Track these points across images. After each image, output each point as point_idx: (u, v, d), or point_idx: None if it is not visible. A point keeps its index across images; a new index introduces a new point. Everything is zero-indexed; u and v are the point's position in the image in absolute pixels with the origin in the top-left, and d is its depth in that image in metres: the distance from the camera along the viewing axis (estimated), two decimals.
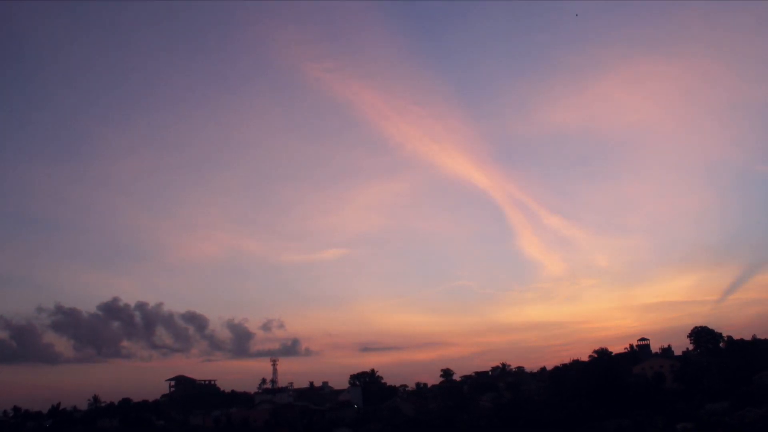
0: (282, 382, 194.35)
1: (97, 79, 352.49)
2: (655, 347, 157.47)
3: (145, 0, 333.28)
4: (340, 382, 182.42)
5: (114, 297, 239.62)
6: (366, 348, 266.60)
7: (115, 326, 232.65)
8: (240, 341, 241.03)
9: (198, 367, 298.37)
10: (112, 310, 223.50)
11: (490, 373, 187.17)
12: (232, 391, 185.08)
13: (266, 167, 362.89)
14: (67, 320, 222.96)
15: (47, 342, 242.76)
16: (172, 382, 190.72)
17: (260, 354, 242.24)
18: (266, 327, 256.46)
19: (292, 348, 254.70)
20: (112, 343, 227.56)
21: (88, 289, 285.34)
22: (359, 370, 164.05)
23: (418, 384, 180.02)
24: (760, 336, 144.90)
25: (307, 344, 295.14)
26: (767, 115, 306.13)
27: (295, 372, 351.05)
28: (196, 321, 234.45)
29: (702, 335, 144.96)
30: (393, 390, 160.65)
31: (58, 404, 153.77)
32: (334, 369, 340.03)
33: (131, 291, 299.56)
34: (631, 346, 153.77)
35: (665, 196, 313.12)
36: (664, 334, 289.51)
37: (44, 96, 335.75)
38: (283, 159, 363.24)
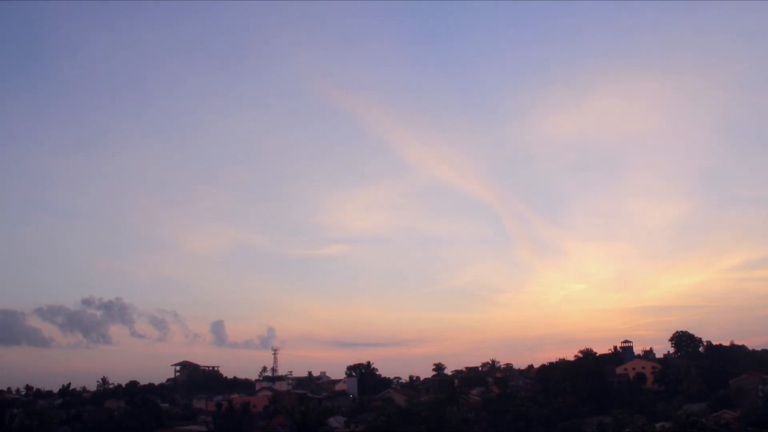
0: (282, 371, 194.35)
1: (114, 76, 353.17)
2: (637, 350, 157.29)
3: (164, 1, 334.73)
4: (338, 373, 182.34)
5: (117, 296, 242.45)
6: (362, 343, 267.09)
7: (116, 319, 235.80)
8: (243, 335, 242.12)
9: (202, 353, 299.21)
10: (114, 306, 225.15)
11: (480, 368, 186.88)
12: (234, 378, 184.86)
13: (273, 166, 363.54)
14: (74, 312, 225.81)
15: (56, 327, 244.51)
16: (178, 367, 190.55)
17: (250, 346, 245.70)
18: (266, 321, 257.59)
19: (290, 342, 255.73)
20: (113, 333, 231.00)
21: (93, 280, 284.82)
22: (356, 362, 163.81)
23: (411, 377, 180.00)
24: (738, 342, 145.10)
25: (304, 338, 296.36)
26: (753, 127, 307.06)
27: (295, 363, 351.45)
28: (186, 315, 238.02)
29: (683, 339, 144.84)
30: (387, 382, 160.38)
31: (68, 384, 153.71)
32: (333, 360, 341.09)
33: (134, 284, 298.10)
34: (615, 347, 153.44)
35: (654, 205, 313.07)
36: (648, 338, 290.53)
37: (63, 91, 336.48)
38: (289, 158, 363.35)
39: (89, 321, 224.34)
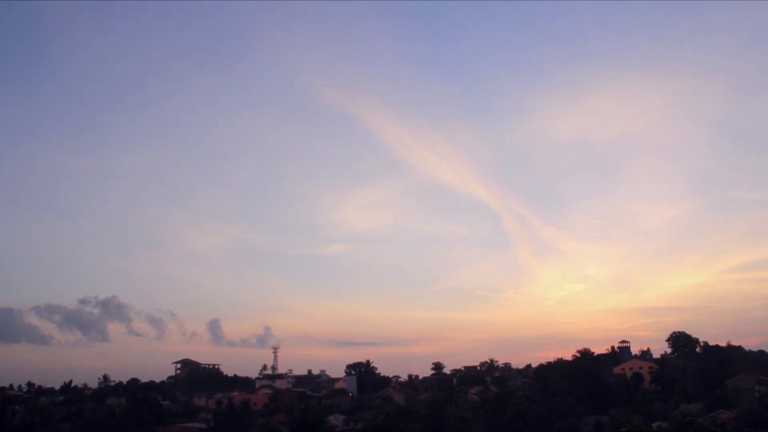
0: (282, 369, 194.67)
1: (119, 77, 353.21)
2: (635, 350, 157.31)
3: (168, 1, 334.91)
4: (338, 371, 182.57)
5: (116, 295, 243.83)
6: (362, 342, 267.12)
7: (114, 318, 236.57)
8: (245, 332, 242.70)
9: (200, 351, 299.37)
10: (112, 304, 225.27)
11: (478, 367, 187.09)
12: (235, 376, 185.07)
13: (274, 165, 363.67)
14: (72, 310, 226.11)
15: (54, 326, 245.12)
16: (178, 365, 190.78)
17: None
18: (264, 320, 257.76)
19: (288, 340, 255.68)
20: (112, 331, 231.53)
21: (92, 278, 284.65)
22: (356, 361, 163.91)
23: (410, 376, 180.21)
24: (735, 342, 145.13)
25: (303, 336, 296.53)
26: (752, 129, 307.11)
27: (295, 361, 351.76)
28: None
29: (680, 340, 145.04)
30: (386, 380, 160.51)
31: (70, 382, 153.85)
32: (333, 359, 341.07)
33: (133, 283, 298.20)
34: (613, 347, 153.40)
35: (653, 206, 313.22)
36: (645, 338, 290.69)
37: (68, 91, 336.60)
38: (289, 158, 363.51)
39: (87, 319, 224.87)
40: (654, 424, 70.10)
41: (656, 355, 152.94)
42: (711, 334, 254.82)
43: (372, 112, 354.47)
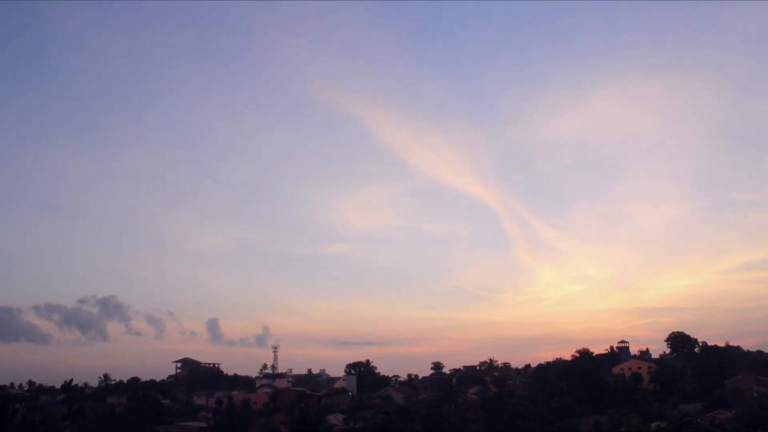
0: (282, 368, 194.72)
1: (118, 76, 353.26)
2: (634, 350, 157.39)
3: (167, 1, 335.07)
4: (338, 371, 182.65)
5: (115, 294, 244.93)
6: (362, 341, 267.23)
7: (113, 317, 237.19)
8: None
9: (199, 350, 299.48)
10: (111, 304, 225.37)
11: (478, 367, 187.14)
12: (235, 375, 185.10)
13: (274, 165, 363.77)
14: (71, 309, 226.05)
15: (53, 325, 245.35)
16: (179, 364, 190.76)
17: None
18: (263, 319, 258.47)
19: (286, 340, 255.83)
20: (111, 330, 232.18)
21: (91, 278, 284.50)
22: (356, 360, 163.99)
23: (409, 375, 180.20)
24: (733, 343, 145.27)
25: (303, 336, 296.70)
26: (751, 130, 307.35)
27: (295, 360, 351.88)
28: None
29: (678, 340, 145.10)
30: (386, 380, 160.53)
31: (71, 380, 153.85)
32: (332, 358, 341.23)
33: (133, 282, 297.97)
34: (612, 347, 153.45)
35: (652, 206, 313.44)
36: (644, 338, 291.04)
37: (68, 90, 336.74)
38: (290, 158, 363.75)
39: (86, 318, 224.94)
40: (653, 424, 70.10)
41: (655, 355, 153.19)
42: (710, 334, 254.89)
43: (372, 112, 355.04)
